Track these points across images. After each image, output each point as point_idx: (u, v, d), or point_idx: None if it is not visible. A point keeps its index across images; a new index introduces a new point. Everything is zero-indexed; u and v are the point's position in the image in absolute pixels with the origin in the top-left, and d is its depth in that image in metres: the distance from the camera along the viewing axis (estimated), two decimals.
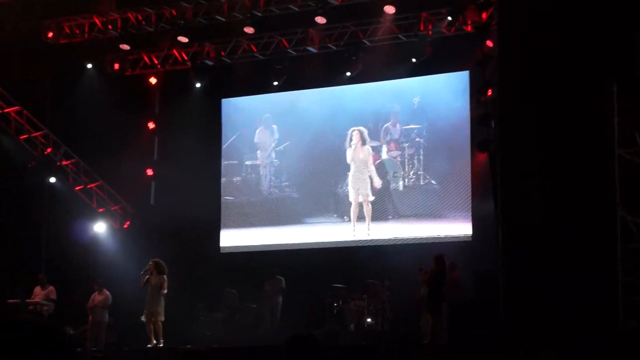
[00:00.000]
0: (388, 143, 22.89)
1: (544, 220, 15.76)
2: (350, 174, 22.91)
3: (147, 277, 18.93)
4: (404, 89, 23.01)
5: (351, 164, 22.90)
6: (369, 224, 22.59)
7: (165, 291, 18.91)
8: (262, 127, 24.34)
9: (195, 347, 16.69)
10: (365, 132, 22.93)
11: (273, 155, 24.24)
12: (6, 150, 23.54)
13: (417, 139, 22.58)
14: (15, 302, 20.09)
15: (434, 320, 17.37)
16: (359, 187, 22.77)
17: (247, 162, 24.51)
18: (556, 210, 15.71)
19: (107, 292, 20.71)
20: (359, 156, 22.88)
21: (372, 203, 22.62)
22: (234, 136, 24.70)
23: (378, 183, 22.59)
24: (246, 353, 17.35)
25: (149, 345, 18.75)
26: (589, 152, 15.69)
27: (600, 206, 15.36)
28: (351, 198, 22.86)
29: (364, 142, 22.86)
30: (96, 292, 20.70)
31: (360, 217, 22.68)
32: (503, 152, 16.58)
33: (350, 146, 22.93)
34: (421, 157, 22.55)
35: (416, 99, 22.70)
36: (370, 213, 22.61)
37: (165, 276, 19.01)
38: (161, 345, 18.79)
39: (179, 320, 19.89)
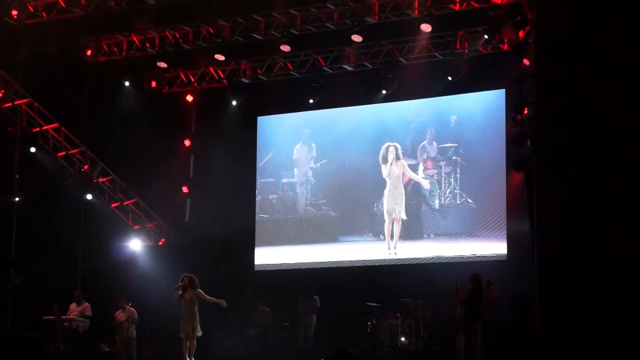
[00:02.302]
0: (425, 161, 22.79)
1: (582, 242, 15.55)
2: (386, 190, 22.82)
3: (180, 292, 18.84)
4: (440, 107, 22.93)
5: (387, 179, 22.82)
6: (396, 243, 22.49)
7: (209, 297, 18.73)
8: (301, 143, 24.33)
9: None
10: (399, 147, 22.87)
11: (310, 173, 24.20)
12: (44, 168, 23.69)
13: (453, 157, 22.45)
14: (51, 319, 20.17)
15: (468, 340, 17.24)
16: (394, 203, 22.67)
17: (284, 180, 24.48)
18: (595, 232, 15.49)
19: (132, 309, 20.66)
20: (394, 172, 22.80)
21: (407, 222, 22.51)
22: (270, 154, 24.70)
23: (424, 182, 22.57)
24: None
25: None
26: (630, 172, 15.47)
27: None
28: (385, 215, 22.77)
29: (398, 157, 22.79)
30: (119, 310, 20.67)
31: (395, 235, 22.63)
32: (539, 172, 16.41)
33: (387, 161, 22.85)
34: (458, 175, 22.41)
35: (453, 118, 22.60)
36: (399, 232, 22.51)
37: (199, 289, 18.89)
38: None
39: (212, 338, 19.84)
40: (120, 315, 20.65)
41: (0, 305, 21.33)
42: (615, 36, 15.76)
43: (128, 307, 20.63)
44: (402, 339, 20.08)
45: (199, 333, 18.74)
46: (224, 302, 18.92)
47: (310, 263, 23.44)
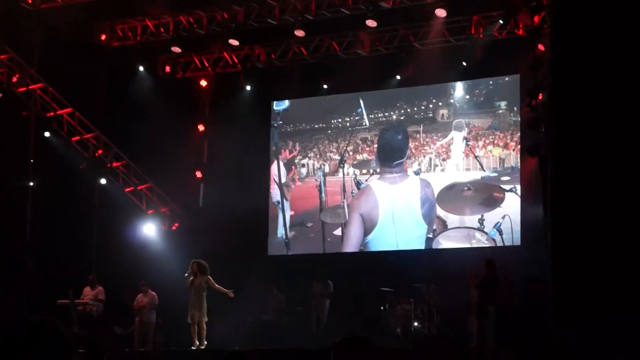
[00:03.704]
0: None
1: (596, 227, 15.52)
2: None
3: (191, 278, 18.97)
4: (454, 92, 22.88)
5: None
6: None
7: (218, 286, 18.95)
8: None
9: (239, 349, 16.73)
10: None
11: None
12: (58, 152, 23.74)
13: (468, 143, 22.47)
14: (65, 303, 20.22)
15: (480, 324, 17.26)
16: None
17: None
18: (610, 217, 15.45)
19: (153, 293, 20.85)
20: None
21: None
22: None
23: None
24: (292, 355, 17.31)
25: (192, 347, 18.79)
26: None
27: None
28: None
29: None
30: (141, 294, 20.82)
31: None
32: (553, 157, 16.37)
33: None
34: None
35: (465, 101, 22.63)
36: None
37: (209, 276, 19.05)
38: (204, 347, 18.82)
39: (225, 322, 19.90)
40: (141, 299, 20.78)
41: (15, 290, 21.39)
42: (632, 24, 15.70)
43: (150, 291, 20.76)
44: (415, 323, 20.08)
45: (205, 319, 18.87)
46: (232, 293, 19.09)
47: (323, 248, 23.52)
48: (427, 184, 22.41)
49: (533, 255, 18.85)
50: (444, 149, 22.66)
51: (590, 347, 14.04)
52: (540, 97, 17.64)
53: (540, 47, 18.82)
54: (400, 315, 20.33)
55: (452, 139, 22.53)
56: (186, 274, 19.06)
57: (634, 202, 15.32)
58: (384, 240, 22.39)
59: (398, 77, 23.27)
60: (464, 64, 22.26)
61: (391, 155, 23.00)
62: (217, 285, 19.04)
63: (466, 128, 22.46)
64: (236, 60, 24.54)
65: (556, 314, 15.58)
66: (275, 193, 24.43)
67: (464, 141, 22.37)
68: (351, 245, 22.78)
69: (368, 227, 22.48)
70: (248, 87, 24.83)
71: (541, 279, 16.99)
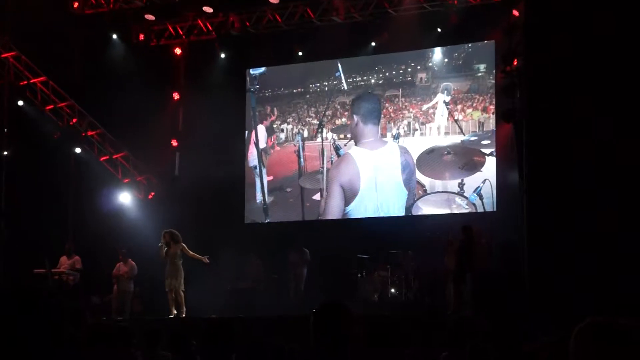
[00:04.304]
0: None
1: (569, 191, 15.64)
2: None
3: (165, 248, 19.02)
4: (433, 56, 22.85)
5: None
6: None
7: (192, 253, 19.05)
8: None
9: (220, 317, 16.73)
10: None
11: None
12: (32, 121, 23.59)
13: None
14: (42, 272, 20.18)
15: (457, 290, 17.35)
16: None
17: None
18: (582, 180, 15.56)
19: (133, 262, 20.84)
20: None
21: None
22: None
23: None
24: (271, 323, 17.35)
25: (170, 316, 18.84)
26: (617, 120, 15.50)
27: (631, 174, 15.20)
28: None
29: None
30: (121, 262, 20.83)
31: None
32: (528, 122, 16.44)
33: None
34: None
35: (444, 65, 22.63)
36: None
37: (182, 244, 19.10)
38: (183, 315, 18.87)
39: (202, 290, 19.92)
40: (121, 267, 20.77)
41: None
42: None
43: (129, 260, 20.76)
44: (392, 290, 20.17)
45: (182, 288, 18.95)
46: (206, 259, 19.18)
47: (299, 216, 23.54)
48: (406, 151, 22.39)
49: (509, 220, 18.95)
50: (422, 113, 22.63)
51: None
52: (515, 63, 17.68)
53: (515, 12, 18.83)
54: (378, 282, 20.40)
55: (436, 102, 22.50)
56: (160, 244, 19.11)
57: (607, 166, 15.43)
58: (365, 208, 22.37)
59: (373, 43, 23.21)
60: (439, 30, 22.23)
61: (368, 118, 22.87)
62: (191, 253, 19.14)
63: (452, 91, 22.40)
64: (210, 28, 24.39)
65: (529, 278, 15.72)
66: (252, 158, 24.37)
67: (444, 104, 22.36)
68: (331, 215, 22.75)
69: (349, 196, 22.42)
70: (223, 55, 24.71)
71: (515, 243, 17.12)
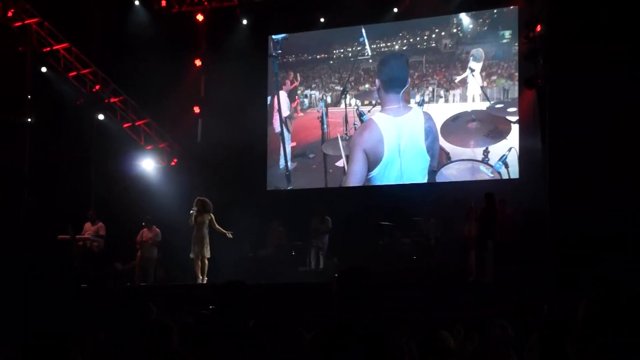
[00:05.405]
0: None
1: (593, 157, 15.51)
2: None
3: (195, 215, 19.10)
4: (457, 22, 22.65)
5: None
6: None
7: (218, 226, 19.16)
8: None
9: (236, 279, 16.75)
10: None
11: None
12: (56, 88, 23.63)
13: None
14: (65, 238, 20.30)
15: (479, 258, 17.32)
16: None
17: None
18: (607, 147, 15.43)
19: (157, 229, 20.93)
20: None
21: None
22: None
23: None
24: (292, 289, 17.39)
25: (198, 282, 18.94)
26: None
27: None
28: None
29: None
30: (145, 229, 20.92)
31: None
32: (551, 89, 16.30)
33: None
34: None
35: (469, 31, 22.44)
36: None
37: (212, 214, 19.19)
38: (205, 282, 18.96)
39: (225, 258, 19.98)
40: (146, 233, 20.87)
41: (14, 226, 21.45)
42: None
43: (154, 227, 20.85)
44: (414, 257, 20.14)
45: (208, 254, 19.07)
46: (230, 234, 19.25)
47: (323, 183, 23.53)
48: (429, 117, 22.29)
49: (532, 188, 18.86)
50: (445, 80, 22.48)
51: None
52: (538, 29, 17.52)
53: None
54: (400, 249, 20.38)
55: (469, 69, 22.31)
56: (191, 211, 19.16)
57: (630, 132, 15.30)
58: (389, 174, 22.32)
59: (395, 10, 23.03)
60: None
61: (393, 84, 22.77)
62: (217, 226, 19.24)
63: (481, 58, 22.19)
64: None
65: (552, 246, 15.64)
66: (277, 124, 24.34)
67: (469, 71, 22.18)
68: (354, 181, 22.72)
69: (372, 162, 22.37)
70: (245, 22, 24.62)
71: (539, 211, 17.03)
